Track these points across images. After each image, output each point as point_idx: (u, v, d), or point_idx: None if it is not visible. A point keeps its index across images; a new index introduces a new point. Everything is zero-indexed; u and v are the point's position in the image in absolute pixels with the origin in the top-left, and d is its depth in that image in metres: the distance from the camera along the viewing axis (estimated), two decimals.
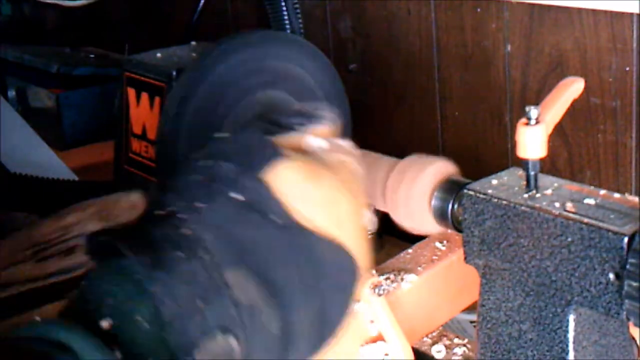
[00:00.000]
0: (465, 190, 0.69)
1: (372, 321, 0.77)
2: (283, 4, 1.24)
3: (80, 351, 0.46)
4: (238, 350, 0.50)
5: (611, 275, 0.59)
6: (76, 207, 0.70)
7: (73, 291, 0.51)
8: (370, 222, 0.62)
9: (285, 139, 0.60)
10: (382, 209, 0.80)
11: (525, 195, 0.66)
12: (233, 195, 0.53)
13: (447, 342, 0.87)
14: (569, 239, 0.61)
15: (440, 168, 0.76)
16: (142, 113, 1.03)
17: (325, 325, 0.56)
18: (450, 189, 0.73)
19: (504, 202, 0.66)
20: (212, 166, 0.55)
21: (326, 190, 0.57)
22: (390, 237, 1.23)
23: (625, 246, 0.58)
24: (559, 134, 1.09)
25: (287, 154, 0.57)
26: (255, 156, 0.55)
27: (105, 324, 0.48)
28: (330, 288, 0.56)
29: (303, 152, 0.60)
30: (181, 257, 0.50)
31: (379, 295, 0.76)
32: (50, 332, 0.47)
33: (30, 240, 0.68)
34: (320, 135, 0.62)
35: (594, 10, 1.02)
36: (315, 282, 0.54)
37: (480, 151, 1.20)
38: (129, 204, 0.68)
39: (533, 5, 1.09)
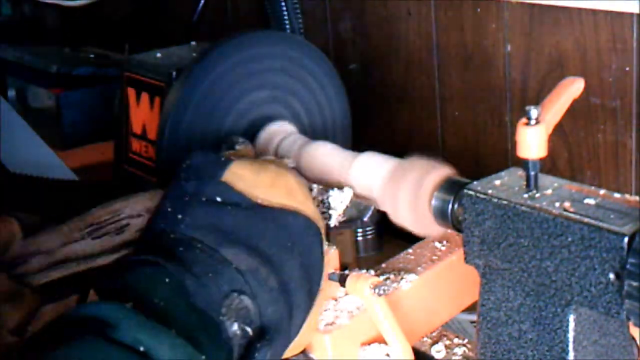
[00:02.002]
0: (465, 190, 0.69)
1: (372, 321, 0.77)
2: (283, 4, 1.24)
3: (126, 325, 0.54)
4: (252, 306, 0.64)
5: (611, 275, 0.59)
6: (119, 199, 0.80)
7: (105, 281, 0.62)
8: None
9: (230, 153, 0.77)
10: (382, 209, 0.80)
11: (525, 195, 0.66)
12: (204, 199, 0.67)
13: (447, 342, 0.87)
14: (569, 239, 0.61)
15: (440, 169, 0.76)
16: (142, 113, 1.03)
17: (311, 279, 0.69)
18: (450, 189, 0.73)
19: (504, 202, 0.66)
20: (180, 188, 0.69)
21: (271, 173, 0.70)
22: (390, 237, 1.24)
23: (625, 246, 0.58)
24: (559, 134, 1.09)
25: (234, 158, 0.71)
26: (212, 167, 0.70)
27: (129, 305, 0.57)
28: (304, 246, 0.69)
29: (244, 157, 0.76)
30: (182, 251, 0.64)
31: (379, 295, 0.76)
32: (100, 311, 0.55)
33: (85, 222, 0.78)
34: (245, 152, 0.80)
35: (594, 10, 1.02)
36: (290, 243, 0.68)
37: (480, 151, 1.20)
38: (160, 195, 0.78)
39: (533, 5, 1.09)
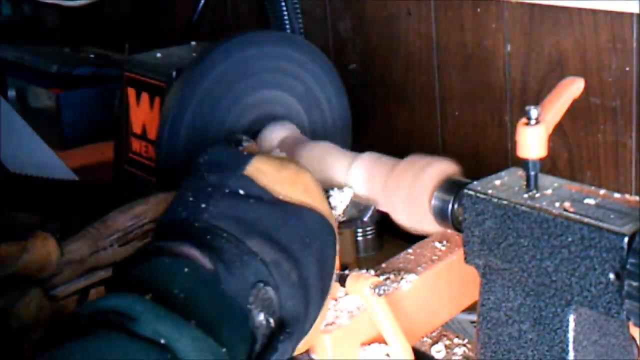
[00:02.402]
0: (466, 190, 0.69)
1: (372, 321, 0.77)
2: (283, 4, 1.24)
3: (147, 317, 0.54)
4: (275, 298, 0.65)
5: (611, 275, 0.59)
6: (134, 203, 0.81)
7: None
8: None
9: (243, 148, 0.78)
10: (382, 209, 0.80)
11: (525, 195, 0.66)
12: (227, 191, 0.67)
13: (447, 342, 0.87)
14: (569, 239, 0.61)
15: (440, 168, 0.76)
16: (142, 113, 1.03)
17: (325, 279, 0.70)
18: (451, 189, 0.73)
19: (504, 202, 0.66)
20: (202, 179, 0.69)
21: (292, 170, 0.71)
22: (390, 237, 1.24)
23: (625, 246, 0.58)
24: (559, 134, 1.09)
25: (255, 153, 0.71)
26: (235, 161, 0.70)
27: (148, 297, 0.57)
28: (320, 243, 0.69)
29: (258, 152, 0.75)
30: (210, 239, 0.64)
31: (379, 295, 0.76)
32: (119, 303, 0.55)
33: (110, 230, 0.78)
34: (251, 149, 0.79)
35: (594, 10, 1.02)
36: (308, 239, 0.68)
37: (480, 151, 1.20)
38: None
39: (533, 5, 1.09)
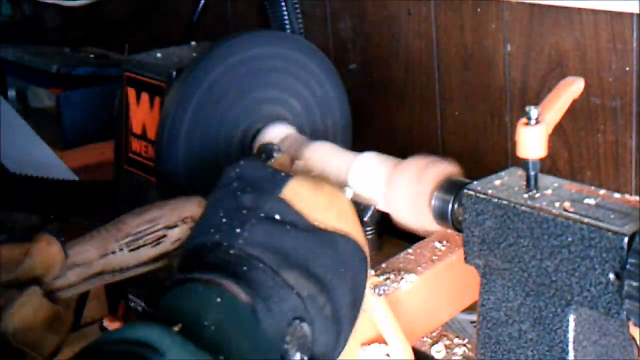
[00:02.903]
0: (466, 190, 0.69)
1: (372, 321, 0.77)
2: (283, 4, 1.24)
3: (175, 353, 0.51)
4: (310, 334, 0.62)
5: (611, 275, 0.59)
6: (151, 206, 0.78)
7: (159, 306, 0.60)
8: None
9: (271, 163, 0.74)
10: (382, 209, 0.80)
11: (525, 195, 0.66)
12: (262, 215, 0.64)
13: (447, 342, 0.87)
14: (569, 239, 0.61)
15: (441, 168, 0.76)
16: (142, 113, 1.02)
17: (356, 306, 0.68)
18: (451, 189, 0.73)
19: (504, 202, 0.66)
20: (235, 199, 0.66)
21: (327, 194, 0.68)
22: (390, 237, 1.23)
23: (625, 246, 0.58)
24: (559, 134, 1.09)
25: (291, 174, 0.67)
26: (271, 182, 0.67)
27: (176, 328, 0.54)
28: (353, 274, 0.67)
29: (288, 169, 0.73)
30: (246, 271, 0.61)
31: (379, 295, 0.76)
32: (146, 335, 0.52)
33: (121, 233, 0.76)
34: (283, 160, 0.76)
35: (594, 10, 1.02)
36: (343, 270, 0.66)
37: (480, 151, 1.20)
38: (197, 205, 0.77)
39: (533, 5, 1.09)
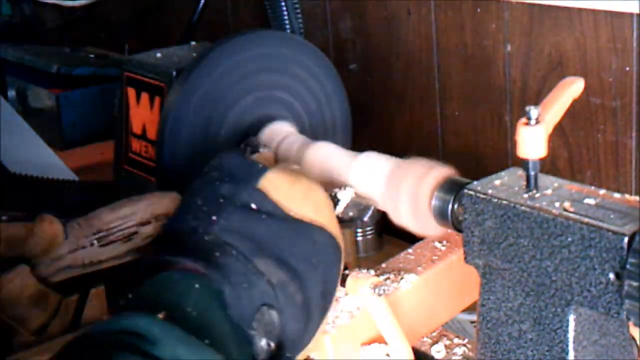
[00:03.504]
0: (466, 190, 0.69)
1: (372, 321, 0.77)
2: (283, 4, 1.24)
3: (165, 341, 0.53)
4: (277, 321, 0.64)
5: (611, 275, 0.59)
6: (127, 201, 0.79)
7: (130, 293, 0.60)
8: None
9: (256, 157, 0.77)
10: (382, 209, 0.80)
11: (525, 195, 0.66)
12: (239, 204, 0.66)
13: (447, 342, 0.87)
14: (569, 239, 0.61)
15: (441, 169, 0.76)
16: (142, 113, 1.03)
17: (327, 297, 0.69)
18: (451, 188, 0.73)
19: (504, 202, 0.66)
20: (211, 190, 0.68)
21: (304, 186, 0.70)
22: (390, 237, 1.24)
23: (625, 246, 0.58)
24: (559, 134, 1.09)
25: (269, 166, 0.70)
26: (248, 172, 0.69)
27: (160, 315, 0.56)
28: (326, 263, 0.69)
29: (271, 164, 0.75)
30: (219, 256, 0.63)
31: (379, 295, 0.76)
32: (135, 324, 0.53)
33: (93, 228, 0.77)
34: (268, 155, 0.80)
35: (594, 10, 1.02)
36: (315, 260, 0.68)
37: (480, 151, 1.20)
38: (171, 201, 0.78)
39: (533, 5, 1.09)
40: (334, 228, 0.71)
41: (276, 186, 0.68)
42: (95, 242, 0.77)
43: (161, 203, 0.78)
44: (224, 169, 0.69)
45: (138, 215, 0.78)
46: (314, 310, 0.67)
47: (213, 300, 0.60)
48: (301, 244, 0.67)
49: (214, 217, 0.65)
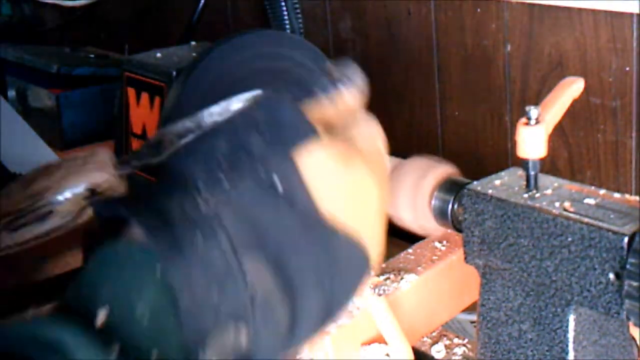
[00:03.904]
0: (466, 190, 0.69)
1: (372, 321, 0.77)
2: (283, 4, 1.24)
3: (73, 351, 0.42)
4: (244, 343, 0.48)
5: (611, 275, 0.59)
6: (39, 171, 0.63)
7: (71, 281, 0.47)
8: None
9: (314, 108, 0.56)
10: None
11: (525, 195, 0.66)
12: (260, 173, 0.50)
13: (447, 342, 0.87)
14: (569, 239, 0.61)
15: (441, 169, 0.76)
16: (142, 113, 1.03)
17: (329, 314, 0.54)
18: (451, 188, 0.73)
19: (504, 202, 0.66)
20: (239, 134, 0.51)
21: (355, 181, 0.53)
22: (390, 237, 1.23)
23: (625, 246, 0.58)
24: (559, 134, 1.09)
25: (320, 132, 0.52)
26: (289, 130, 0.51)
27: (100, 316, 0.44)
28: (340, 282, 0.53)
29: (333, 128, 0.55)
30: (199, 239, 0.47)
31: (379, 295, 0.76)
32: (40, 331, 0.43)
33: (2, 212, 0.63)
34: (350, 104, 0.59)
35: (594, 10, 1.02)
36: (327, 274, 0.52)
37: (480, 151, 1.20)
38: (99, 165, 0.62)
39: (533, 5, 1.09)
40: (371, 243, 0.55)
41: (316, 165, 0.51)
42: (2, 227, 0.62)
43: (83, 169, 0.62)
44: (267, 111, 0.52)
45: (52, 190, 0.62)
46: (300, 336, 0.52)
47: (169, 304, 0.46)
48: (313, 250, 0.51)
49: (221, 175, 0.49)
